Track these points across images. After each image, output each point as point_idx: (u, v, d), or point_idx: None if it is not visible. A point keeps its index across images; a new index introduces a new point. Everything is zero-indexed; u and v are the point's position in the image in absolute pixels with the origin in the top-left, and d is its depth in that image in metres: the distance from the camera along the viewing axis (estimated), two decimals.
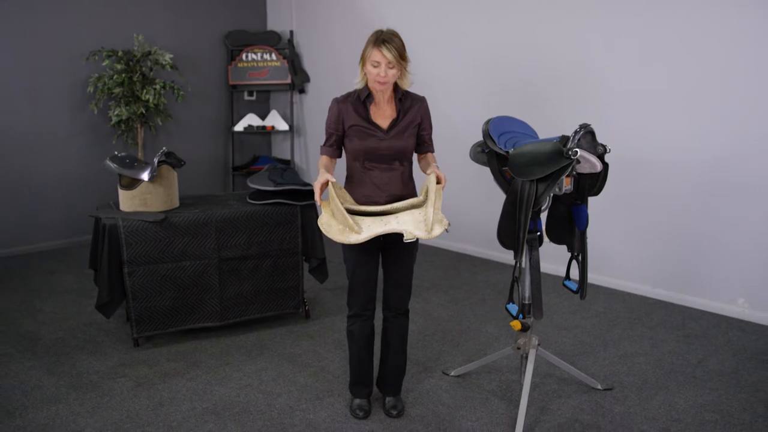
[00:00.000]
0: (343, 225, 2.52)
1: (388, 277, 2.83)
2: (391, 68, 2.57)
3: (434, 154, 2.87)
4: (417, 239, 2.59)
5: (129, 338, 3.68)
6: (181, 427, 2.78)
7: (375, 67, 2.56)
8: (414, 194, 2.79)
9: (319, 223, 2.59)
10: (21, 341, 3.68)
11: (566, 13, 4.53)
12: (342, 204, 2.55)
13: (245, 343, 3.65)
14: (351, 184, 2.77)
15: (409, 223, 2.50)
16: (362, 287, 2.78)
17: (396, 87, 2.69)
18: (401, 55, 2.57)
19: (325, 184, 2.57)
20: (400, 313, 2.87)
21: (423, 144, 2.82)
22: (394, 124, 2.68)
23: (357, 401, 2.91)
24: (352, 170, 2.77)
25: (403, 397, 2.99)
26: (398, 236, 2.57)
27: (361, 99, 2.67)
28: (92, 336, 3.76)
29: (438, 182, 2.62)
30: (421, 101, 2.76)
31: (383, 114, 2.70)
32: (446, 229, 2.54)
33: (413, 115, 2.72)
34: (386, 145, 2.67)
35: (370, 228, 2.51)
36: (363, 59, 2.61)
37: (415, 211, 2.54)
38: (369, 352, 2.89)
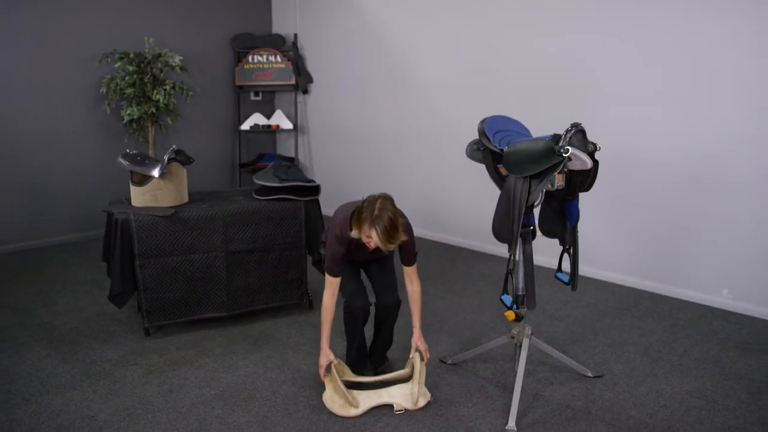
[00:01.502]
0: (343, 400, 2.84)
1: (372, 271, 3.15)
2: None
3: (415, 266, 3.05)
4: (392, 253, 3.08)
5: (140, 328, 3.74)
6: (189, 412, 2.84)
7: (368, 237, 2.73)
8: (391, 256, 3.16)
9: (323, 399, 2.92)
10: (37, 331, 3.74)
11: (560, 16, 4.58)
12: (341, 377, 2.88)
13: (251, 333, 3.70)
14: None
15: (397, 396, 2.90)
16: (353, 288, 3.05)
17: None
18: (391, 238, 2.67)
19: (328, 364, 2.93)
20: (392, 304, 3.10)
21: (405, 258, 3.01)
22: (377, 248, 2.84)
23: (352, 372, 3.14)
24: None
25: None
26: (375, 257, 3.05)
27: (359, 244, 2.87)
28: (105, 326, 3.81)
29: (421, 358, 2.94)
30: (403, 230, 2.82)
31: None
32: (429, 401, 2.93)
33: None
34: (369, 258, 3.05)
35: (366, 402, 2.88)
36: (358, 223, 2.72)
37: (404, 386, 2.92)
38: (364, 333, 3.16)
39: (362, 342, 3.15)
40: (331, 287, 2.95)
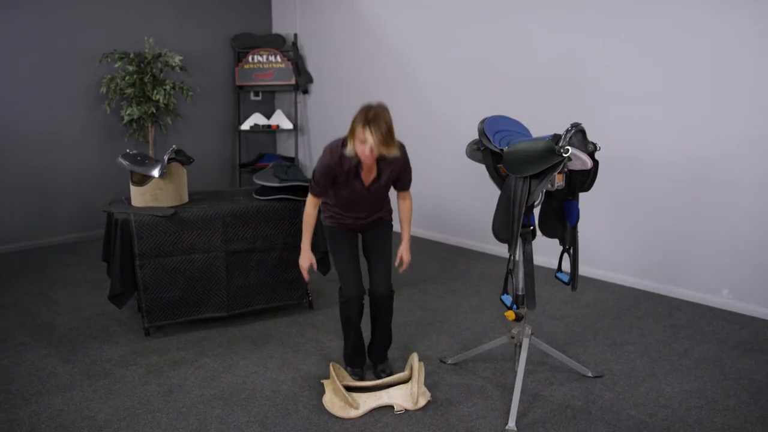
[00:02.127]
0: (343, 402, 2.84)
1: (370, 258, 3.09)
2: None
3: (410, 191, 3.12)
4: (391, 224, 3.14)
5: (140, 328, 3.74)
6: (189, 412, 2.84)
7: (362, 143, 2.70)
8: (389, 216, 3.14)
9: (323, 402, 2.92)
10: (37, 331, 3.74)
11: (560, 16, 4.58)
12: (341, 382, 2.91)
13: (251, 333, 3.71)
14: (332, 206, 3.04)
15: (398, 397, 2.91)
16: (349, 275, 3.00)
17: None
18: (385, 140, 2.67)
19: (309, 266, 3.02)
20: (386, 295, 3.05)
21: (401, 184, 3.03)
22: (375, 181, 2.91)
23: (350, 368, 3.19)
24: (333, 202, 3.04)
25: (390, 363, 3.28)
26: (373, 225, 3.07)
27: (353, 164, 2.85)
28: (105, 326, 3.81)
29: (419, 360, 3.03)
30: (400, 156, 2.88)
31: (367, 173, 2.90)
32: (429, 401, 2.95)
33: (392, 170, 2.94)
34: (366, 197, 2.96)
35: (366, 403, 2.88)
36: (353, 130, 2.72)
37: (403, 387, 2.94)
38: (359, 325, 3.14)
39: (357, 338, 3.14)
40: (312, 202, 2.97)
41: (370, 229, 3.12)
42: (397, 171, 2.96)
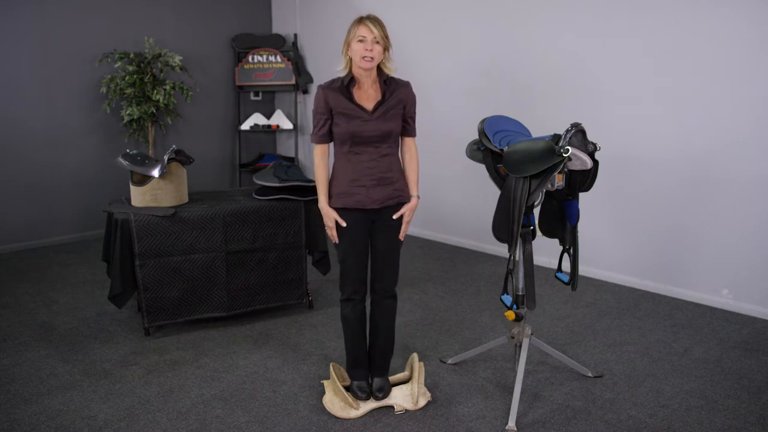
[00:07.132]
0: (343, 402, 2.84)
1: (376, 258, 2.84)
2: (377, 43, 2.61)
3: (415, 138, 2.90)
4: (402, 222, 2.83)
5: (140, 328, 3.75)
6: (189, 413, 2.84)
7: (361, 41, 2.60)
8: (401, 176, 2.83)
9: (323, 402, 2.91)
10: (37, 330, 3.75)
11: (560, 16, 4.59)
12: (342, 383, 2.93)
13: (251, 333, 3.71)
14: (339, 172, 2.77)
15: (398, 397, 2.91)
16: (353, 271, 2.81)
17: (380, 72, 2.72)
18: (386, 36, 2.64)
19: (335, 223, 2.77)
20: (387, 296, 2.89)
21: (406, 126, 2.83)
22: (378, 105, 2.70)
23: (356, 383, 2.94)
24: (339, 157, 2.78)
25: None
26: (387, 218, 2.79)
27: (345, 83, 2.70)
28: (105, 325, 3.82)
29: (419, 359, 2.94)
30: (406, 85, 2.78)
31: (368, 97, 2.72)
32: (429, 401, 2.94)
33: (398, 97, 2.74)
34: (371, 126, 2.68)
35: (366, 403, 2.89)
36: (347, 42, 2.66)
37: (404, 387, 2.95)
38: (363, 335, 2.93)
39: (357, 345, 2.93)
40: (318, 153, 2.78)
41: (383, 216, 2.79)
42: (404, 98, 2.75)
